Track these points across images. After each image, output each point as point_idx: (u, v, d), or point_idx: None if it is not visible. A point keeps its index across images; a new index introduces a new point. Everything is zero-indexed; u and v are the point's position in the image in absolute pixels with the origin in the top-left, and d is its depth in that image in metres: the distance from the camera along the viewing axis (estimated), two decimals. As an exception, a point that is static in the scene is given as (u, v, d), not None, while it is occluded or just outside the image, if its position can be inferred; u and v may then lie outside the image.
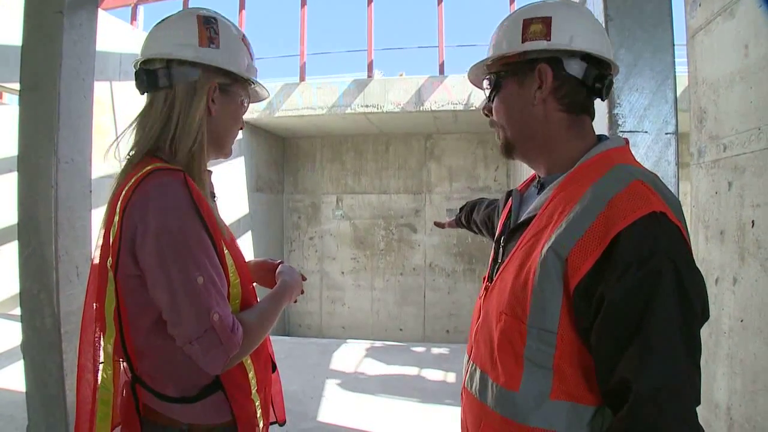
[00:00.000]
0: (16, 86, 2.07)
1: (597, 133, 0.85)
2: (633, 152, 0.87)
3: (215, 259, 0.85)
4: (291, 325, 8.29)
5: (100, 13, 2.62)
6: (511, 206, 0.93)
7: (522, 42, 0.80)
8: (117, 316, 0.86)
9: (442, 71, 6.47)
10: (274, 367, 1.08)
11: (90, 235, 2.12)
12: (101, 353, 0.90)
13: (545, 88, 0.80)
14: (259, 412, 0.96)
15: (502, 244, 0.88)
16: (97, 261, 0.90)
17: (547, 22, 0.79)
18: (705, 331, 1.51)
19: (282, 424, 1.10)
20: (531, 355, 0.71)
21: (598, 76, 0.81)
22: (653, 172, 0.75)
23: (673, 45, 1.55)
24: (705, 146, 1.67)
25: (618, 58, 1.48)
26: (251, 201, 7.14)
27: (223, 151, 1.01)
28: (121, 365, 0.91)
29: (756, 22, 1.39)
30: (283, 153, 8.43)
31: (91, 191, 2.13)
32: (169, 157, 0.90)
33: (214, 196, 1.02)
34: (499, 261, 0.86)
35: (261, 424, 0.97)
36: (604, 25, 1.50)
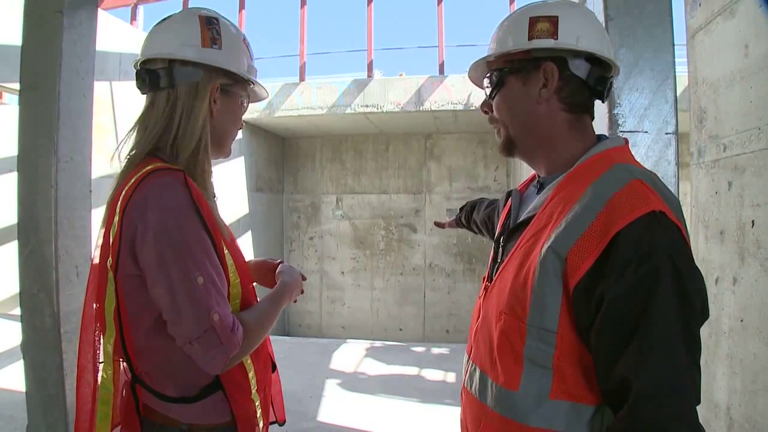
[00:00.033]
0: (16, 86, 2.07)
1: (597, 133, 0.85)
2: (633, 152, 0.87)
3: (215, 259, 0.85)
4: (291, 325, 8.29)
5: (100, 12, 2.62)
6: (510, 206, 0.93)
7: (528, 40, 0.80)
8: (117, 316, 0.86)
9: (442, 71, 6.47)
10: (273, 367, 1.08)
11: (90, 234, 2.12)
12: (101, 353, 0.90)
13: (550, 87, 0.80)
14: (259, 411, 0.96)
15: (502, 243, 0.88)
16: (96, 261, 0.89)
17: (554, 21, 0.79)
18: (705, 331, 1.51)
19: (282, 423, 1.10)
20: (531, 355, 0.71)
21: (600, 78, 0.81)
22: (652, 172, 0.75)
23: (674, 45, 1.55)
24: (705, 146, 1.67)
25: (618, 58, 1.48)
26: (251, 201, 7.14)
27: (222, 151, 1.01)
28: (121, 365, 0.91)
29: (756, 22, 1.39)
30: (283, 153, 8.43)
31: (91, 191, 2.13)
32: (170, 157, 0.90)
33: (214, 196, 1.02)
34: (499, 261, 0.86)
35: (261, 424, 0.97)
36: (604, 24, 1.50)
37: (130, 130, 0.95)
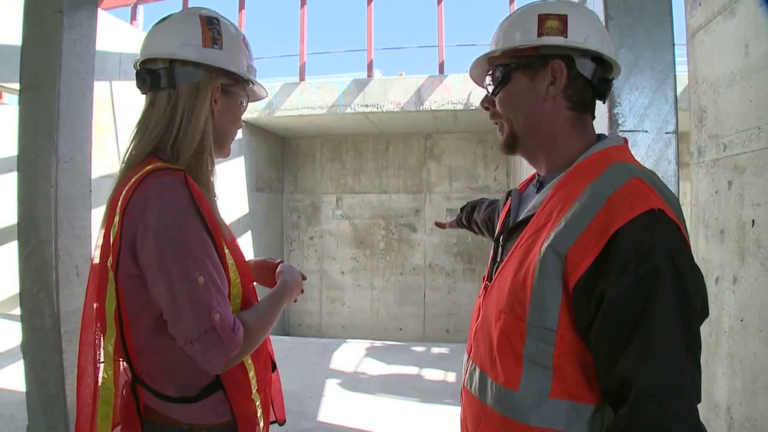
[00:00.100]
0: (16, 86, 2.07)
1: (597, 132, 0.86)
2: (633, 152, 0.87)
3: (216, 259, 0.85)
4: (291, 325, 8.29)
5: (100, 12, 2.62)
6: (510, 205, 0.93)
7: (538, 36, 0.80)
8: (117, 316, 0.86)
9: (441, 71, 6.47)
10: (274, 367, 1.08)
11: (90, 234, 2.12)
12: (101, 353, 0.90)
13: (558, 85, 0.80)
14: (259, 411, 0.96)
15: (501, 243, 0.88)
16: (97, 261, 0.89)
17: (563, 19, 0.79)
18: (705, 331, 1.51)
19: (282, 423, 1.10)
20: (530, 354, 0.71)
21: (602, 78, 0.82)
22: (652, 171, 0.75)
23: (674, 44, 1.55)
24: (705, 145, 1.67)
25: (618, 58, 1.47)
26: (251, 201, 7.14)
27: (222, 150, 1.01)
28: (121, 365, 0.91)
29: (756, 22, 1.39)
30: (283, 153, 8.43)
31: (91, 191, 2.13)
32: (170, 158, 0.90)
33: (215, 196, 1.02)
34: (499, 260, 0.86)
35: (261, 424, 0.97)
36: (604, 23, 1.50)
37: (133, 132, 0.95)
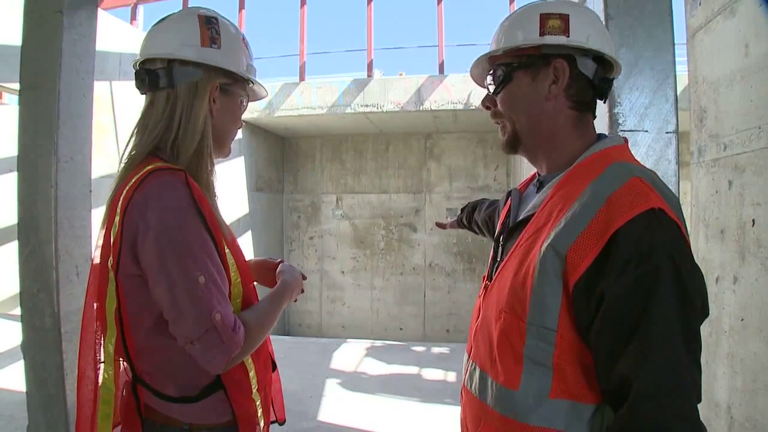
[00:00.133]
0: (16, 86, 2.07)
1: (597, 132, 0.86)
2: (634, 151, 0.87)
3: (216, 258, 0.85)
4: (291, 325, 8.29)
5: (100, 12, 2.62)
6: (510, 205, 0.93)
7: (540, 36, 0.80)
8: (118, 315, 0.86)
9: (441, 71, 6.47)
10: (274, 367, 1.08)
11: (90, 234, 2.12)
12: (102, 353, 0.90)
13: (560, 84, 0.80)
14: (259, 411, 0.96)
15: (502, 242, 0.88)
16: (97, 261, 0.89)
17: (565, 19, 0.80)
18: (705, 330, 1.51)
19: (282, 423, 1.10)
20: (530, 354, 0.71)
21: (603, 78, 0.82)
22: (652, 170, 0.75)
23: (674, 44, 1.55)
24: (705, 145, 1.67)
25: (619, 57, 1.47)
26: (251, 200, 7.14)
27: (222, 150, 1.01)
28: (122, 365, 0.91)
29: (756, 22, 1.39)
30: (283, 153, 8.43)
31: (91, 191, 2.13)
32: (170, 157, 0.90)
33: (215, 196, 1.02)
34: (499, 260, 0.86)
35: (261, 424, 0.97)
36: (604, 23, 1.50)
37: (133, 132, 0.94)
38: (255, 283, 1.09)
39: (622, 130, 1.52)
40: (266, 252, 7.41)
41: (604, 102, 0.86)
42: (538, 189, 0.86)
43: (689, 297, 0.64)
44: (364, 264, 8.10)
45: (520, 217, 0.83)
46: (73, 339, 1.96)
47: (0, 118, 4.97)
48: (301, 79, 6.73)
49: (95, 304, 0.90)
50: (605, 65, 0.83)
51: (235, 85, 0.97)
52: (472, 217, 1.45)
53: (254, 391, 0.94)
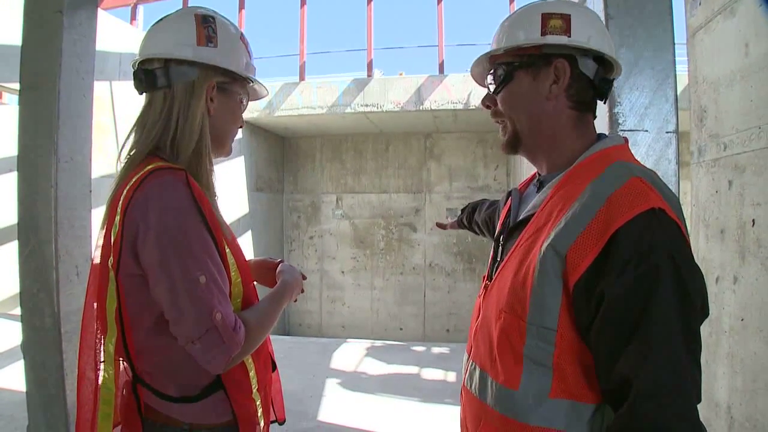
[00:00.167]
0: (16, 86, 2.07)
1: (597, 131, 0.86)
2: (634, 151, 0.87)
3: (217, 258, 0.85)
4: (291, 325, 8.29)
5: (100, 12, 2.62)
6: (510, 205, 0.93)
7: (541, 35, 0.80)
8: (118, 315, 0.86)
9: (441, 70, 6.47)
10: (274, 366, 1.08)
11: (90, 234, 2.12)
12: (102, 353, 0.90)
13: (561, 84, 0.80)
14: (259, 411, 0.96)
15: (502, 242, 0.88)
16: (97, 261, 0.89)
17: (566, 19, 0.80)
18: (705, 330, 1.51)
19: (282, 423, 1.10)
20: (530, 354, 0.71)
21: (603, 78, 0.82)
22: (652, 170, 0.75)
23: (674, 44, 1.55)
24: (705, 145, 1.67)
25: (619, 57, 1.47)
26: (251, 200, 7.14)
27: (223, 150, 1.01)
28: (122, 365, 0.91)
29: (756, 21, 1.39)
30: (283, 152, 8.43)
31: (91, 191, 2.13)
32: (170, 157, 0.90)
33: (215, 195, 1.02)
34: (499, 260, 0.86)
35: (261, 423, 0.97)
36: (604, 23, 1.50)
37: (130, 131, 0.94)
38: (255, 283, 1.09)
39: (622, 130, 1.52)
40: (266, 252, 7.41)
41: (605, 102, 0.86)
42: (538, 189, 0.86)
43: (689, 297, 0.64)
44: (364, 264, 8.10)
45: (520, 217, 0.84)
46: (73, 339, 1.96)
47: (0, 118, 4.97)
48: (301, 78, 6.73)
49: (95, 304, 0.90)
50: (606, 65, 0.83)
51: (234, 83, 0.97)
52: (473, 217, 1.45)
53: (254, 390, 0.94)
